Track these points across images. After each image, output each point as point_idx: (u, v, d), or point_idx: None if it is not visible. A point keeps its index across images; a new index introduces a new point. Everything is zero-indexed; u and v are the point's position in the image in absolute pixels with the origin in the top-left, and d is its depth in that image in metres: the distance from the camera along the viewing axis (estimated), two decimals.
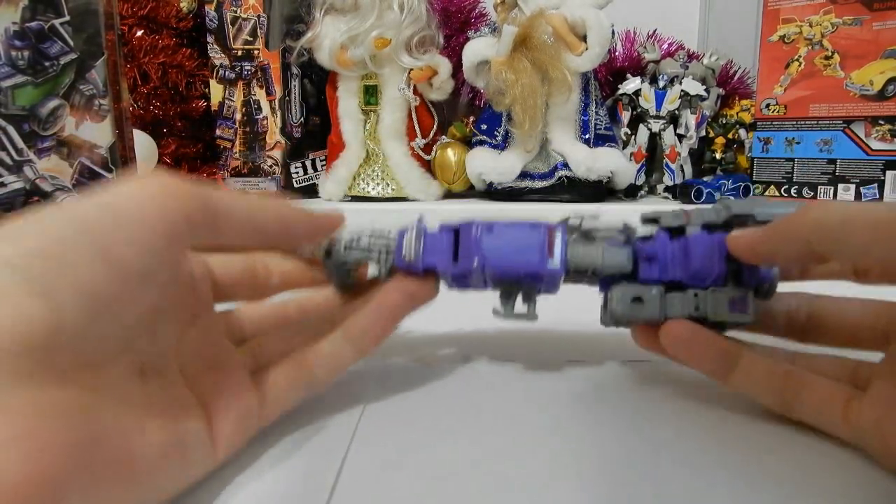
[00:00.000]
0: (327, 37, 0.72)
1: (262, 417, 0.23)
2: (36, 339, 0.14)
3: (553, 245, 0.25)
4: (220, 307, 0.24)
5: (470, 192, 0.80)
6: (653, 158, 0.82)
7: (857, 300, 0.25)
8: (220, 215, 0.19)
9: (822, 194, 0.75)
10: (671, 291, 0.24)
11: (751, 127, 0.81)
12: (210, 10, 0.78)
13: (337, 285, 0.27)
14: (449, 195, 0.81)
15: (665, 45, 0.86)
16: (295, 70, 0.80)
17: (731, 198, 0.76)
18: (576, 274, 0.26)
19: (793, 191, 0.76)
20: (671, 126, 0.80)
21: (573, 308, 0.29)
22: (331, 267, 0.26)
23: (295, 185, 0.82)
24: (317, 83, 0.83)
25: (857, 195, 0.72)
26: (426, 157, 0.78)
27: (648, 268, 0.25)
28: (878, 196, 0.71)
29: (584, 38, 0.69)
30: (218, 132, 0.81)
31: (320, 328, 0.26)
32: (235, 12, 0.78)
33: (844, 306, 0.25)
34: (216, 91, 0.80)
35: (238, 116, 0.80)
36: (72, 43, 0.43)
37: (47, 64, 0.43)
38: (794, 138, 0.76)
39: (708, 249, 0.24)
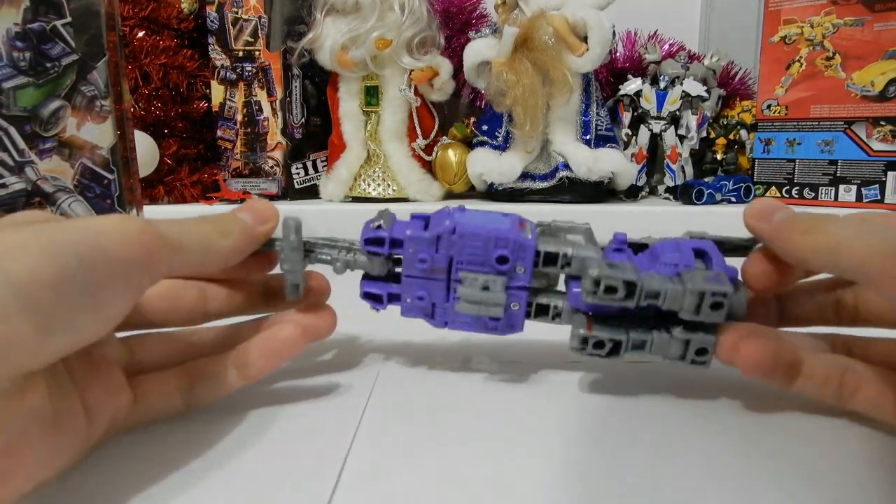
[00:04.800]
0: (328, 38, 0.72)
1: (129, 420, 0.22)
2: (15, 361, 0.15)
3: (524, 225, 0.27)
4: None
5: (471, 192, 0.80)
6: (654, 159, 0.82)
7: None
8: (175, 247, 0.20)
9: (823, 195, 0.75)
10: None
11: (752, 128, 0.81)
12: (211, 11, 0.78)
13: (288, 290, 0.27)
14: (450, 196, 0.81)
15: (666, 46, 0.86)
16: (296, 71, 0.80)
17: (731, 199, 0.76)
18: (546, 261, 0.25)
19: (794, 192, 0.76)
20: (672, 127, 0.80)
21: None
22: (285, 270, 0.26)
23: (296, 186, 0.82)
24: (318, 84, 0.83)
25: (859, 196, 0.72)
26: (427, 158, 0.78)
27: (618, 257, 0.26)
28: (879, 197, 0.71)
29: (584, 39, 0.69)
30: (219, 133, 0.81)
31: (209, 346, 0.26)
32: (236, 13, 0.78)
33: None
34: (217, 92, 0.80)
35: (239, 117, 0.80)
36: (73, 44, 0.43)
37: (49, 65, 0.43)
38: (795, 139, 0.76)
39: (673, 247, 0.25)
